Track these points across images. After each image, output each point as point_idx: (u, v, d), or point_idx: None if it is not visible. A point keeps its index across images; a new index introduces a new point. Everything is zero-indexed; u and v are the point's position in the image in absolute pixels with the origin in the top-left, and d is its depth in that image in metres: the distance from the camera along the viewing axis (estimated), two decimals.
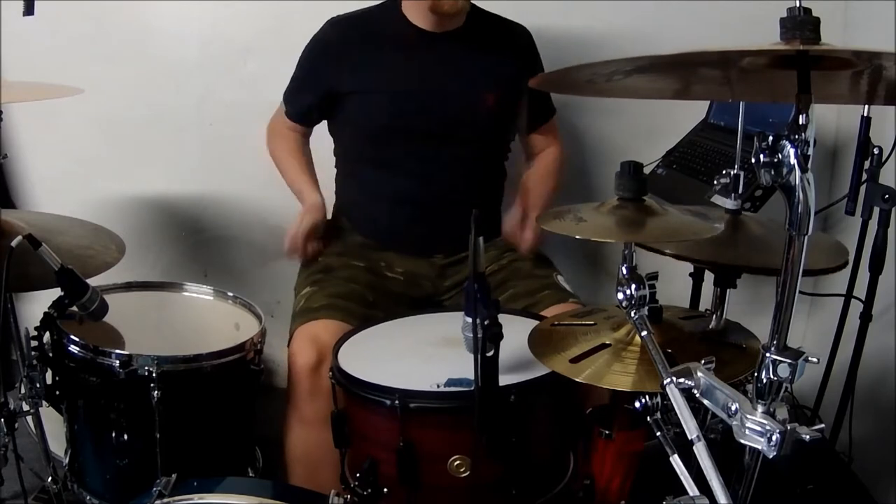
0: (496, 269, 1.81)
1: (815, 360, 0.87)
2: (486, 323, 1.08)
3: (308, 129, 1.93)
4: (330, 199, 1.93)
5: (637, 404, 1.07)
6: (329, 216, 1.95)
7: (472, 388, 1.11)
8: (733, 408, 0.87)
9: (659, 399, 1.05)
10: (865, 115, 1.68)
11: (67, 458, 1.53)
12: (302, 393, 1.55)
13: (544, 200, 1.83)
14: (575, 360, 1.19)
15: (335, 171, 1.95)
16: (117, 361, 1.38)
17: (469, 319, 1.13)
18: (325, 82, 1.79)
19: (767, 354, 0.87)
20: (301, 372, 1.54)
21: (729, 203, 1.46)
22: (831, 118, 2.20)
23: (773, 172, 0.82)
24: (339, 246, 1.86)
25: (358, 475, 1.30)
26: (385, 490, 1.29)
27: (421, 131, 1.77)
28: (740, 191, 1.44)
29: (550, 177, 1.92)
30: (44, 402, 1.43)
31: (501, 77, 1.81)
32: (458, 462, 1.23)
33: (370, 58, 1.77)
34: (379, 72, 1.77)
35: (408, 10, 1.78)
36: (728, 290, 1.42)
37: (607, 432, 1.30)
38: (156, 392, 1.38)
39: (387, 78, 1.77)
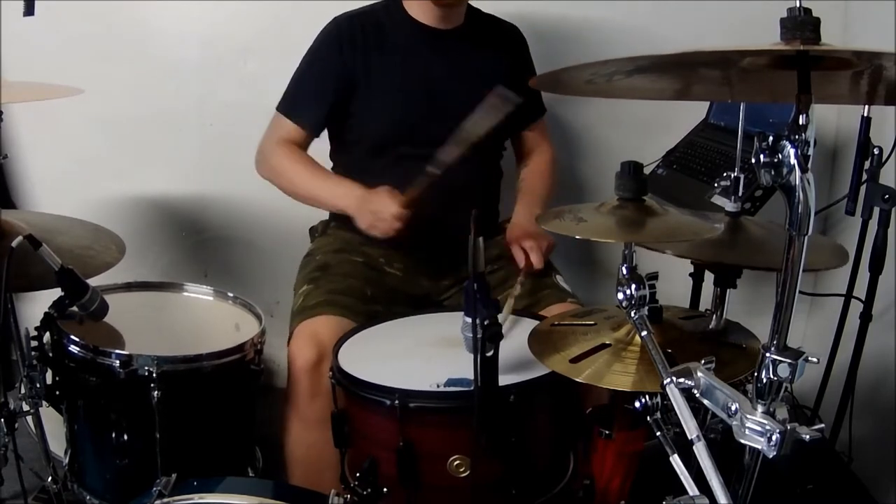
0: (496, 269, 1.81)
1: (815, 360, 0.87)
2: (485, 323, 1.08)
3: (314, 135, 1.83)
4: None
5: (637, 404, 1.07)
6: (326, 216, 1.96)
7: (472, 388, 1.11)
8: (733, 408, 0.87)
9: (659, 399, 1.05)
10: (865, 115, 1.68)
11: (67, 458, 1.53)
12: (302, 392, 1.54)
13: (543, 206, 1.86)
14: (575, 360, 1.19)
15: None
16: (117, 361, 1.38)
17: (469, 319, 1.13)
18: (336, 76, 1.76)
19: (767, 354, 0.87)
20: (301, 371, 1.53)
21: (729, 205, 1.46)
22: (831, 118, 2.20)
23: (773, 173, 0.82)
24: (336, 243, 1.85)
25: (358, 475, 1.30)
26: (385, 490, 1.29)
27: (425, 131, 1.77)
28: (740, 193, 1.44)
29: (545, 181, 1.95)
30: (44, 402, 1.43)
31: (499, 75, 1.81)
32: (457, 462, 1.23)
33: (377, 54, 1.76)
34: (387, 72, 1.76)
35: (410, 7, 1.78)
36: (728, 290, 1.42)
37: (607, 432, 1.30)
38: (156, 392, 1.38)
39: (395, 78, 1.77)
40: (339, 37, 1.78)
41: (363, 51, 1.76)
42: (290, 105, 1.82)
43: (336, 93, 1.78)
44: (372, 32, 1.77)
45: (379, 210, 1.63)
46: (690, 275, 1.79)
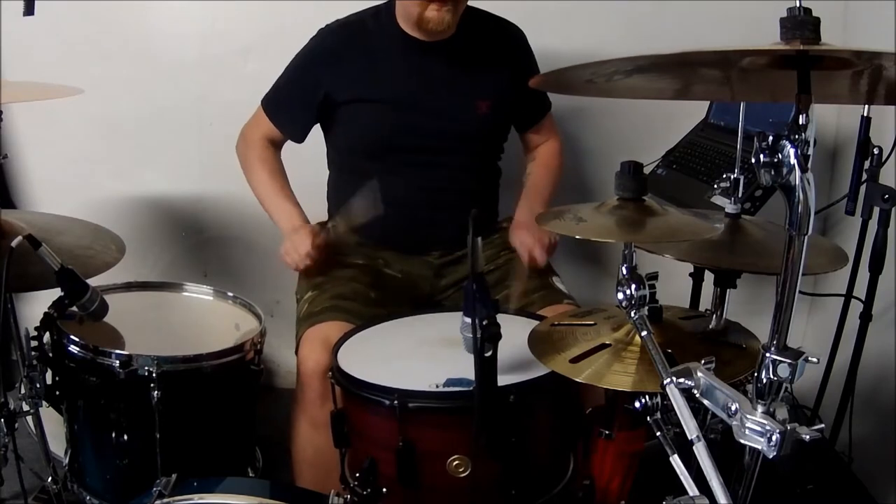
0: (492, 269, 1.81)
1: (815, 360, 0.87)
2: (484, 323, 1.07)
3: (297, 142, 1.86)
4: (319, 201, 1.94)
5: (637, 404, 1.07)
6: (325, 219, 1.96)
7: (472, 388, 1.11)
8: (733, 408, 0.87)
9: (659, 399, 1.05)
10: (865, 115, 1.68)
11: (67, 458, 1.53)
12: (312, 396, 1.53)
13: (546, 203, 1.86)
14: (575, 360, 1.19)
15: (327, 173, 1.94)
16: (117, 361, 1.38)
17: (468, 319, 1.13)
18: (322, 90, 1.77)
19: (767, 354, 0.87)
20: (311, 375, 1.52)
21: (729, 205, 1.46)
22: (831, 118, 2.20)
23: (773, 172, 0.82)
24: (336, 247, 1.85)
25: (357, 475, 1.30)
26: (384, 490, 1.29)
27: (416, 139, 1.77)
28: (740, 195, 1.44)
29: (551, 175, 1.95)
30: (44, 402, 1.43)
31: (496, 82, 1.81)
32: (457, 462, 1.23)
33: (366, 66, 1.76)
34: (375, 80, 1.76)
35: (401, 19, 1.77)
36: (728, 290, 1.42)
37: (607, 432, 1.30)
38: (156, 392, 1.38)
39: (383, 86, 1.76)
40: (322, 51, 1.78)
41: (347, 63, 1.76)
42: (273, 108, 1.85)
43: (317, 107, 1.79)
44: (357, 43, 1.77)
45: (297, 244, 1.69)
46: (690, 275, 1.79)
